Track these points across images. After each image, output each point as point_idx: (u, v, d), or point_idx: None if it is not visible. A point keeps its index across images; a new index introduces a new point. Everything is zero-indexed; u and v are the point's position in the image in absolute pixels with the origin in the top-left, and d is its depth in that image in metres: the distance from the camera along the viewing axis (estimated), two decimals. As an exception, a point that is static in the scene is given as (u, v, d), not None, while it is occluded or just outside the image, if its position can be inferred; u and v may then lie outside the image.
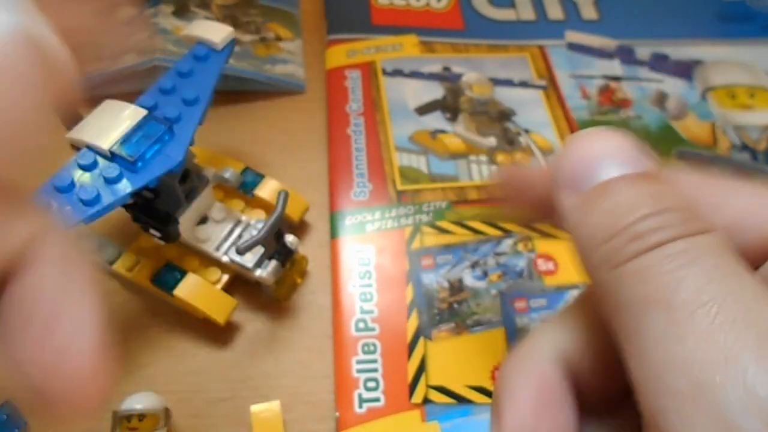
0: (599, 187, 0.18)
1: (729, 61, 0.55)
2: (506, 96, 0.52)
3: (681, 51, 0.56)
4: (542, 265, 0.43)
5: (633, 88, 0.53)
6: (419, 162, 0.48)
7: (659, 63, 0.55)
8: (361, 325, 0.40)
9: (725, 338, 0.14)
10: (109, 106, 0.36)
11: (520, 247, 0.43)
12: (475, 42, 0.56)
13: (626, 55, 0.56)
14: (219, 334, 0.40)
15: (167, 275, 0.40)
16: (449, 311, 0.41)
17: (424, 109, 0.51)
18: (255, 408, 0.37)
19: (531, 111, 0.51)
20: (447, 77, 0.53)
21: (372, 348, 0.39)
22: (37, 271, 0.16)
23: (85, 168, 0.34)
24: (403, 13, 0.58)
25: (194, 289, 0.39)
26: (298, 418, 0.38)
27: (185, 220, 0.40)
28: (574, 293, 0.41)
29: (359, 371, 0.38)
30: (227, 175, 0.42)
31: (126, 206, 0.38)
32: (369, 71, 0.53)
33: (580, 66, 0.55)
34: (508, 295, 0.41)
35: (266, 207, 0.44)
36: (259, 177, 0.44)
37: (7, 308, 0.16)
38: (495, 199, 0.46)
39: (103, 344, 0.16)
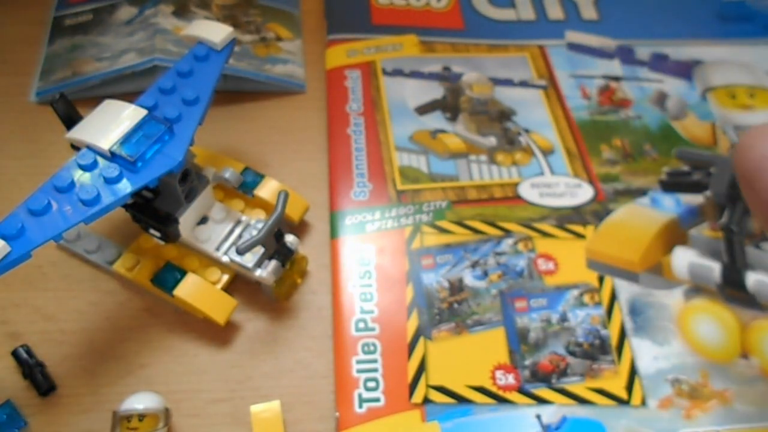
0: None
1: (729, 61, 0.55)
2: (506, 96, 0.52)
3: (681, 51, 0.56)
4: (542, 264, 0.43)
5: (633, 88, 0.53)
6: (419, 162, 0.48)
7: (659, 63, 0.55)
8: (361, 325, 0.40)
9: None
10: (109, 106, 0.36)
11: (520, 246, 0.43)
12: (475, 42, 0.56)
13: (626, 55, 0.56)
14: (219, 334, 0.40)
15: (167, 275, 0.40)
16: (449, 311, 0.41)
17: (424, 109, 0.51)
18: (255, 408, 0.37)
19: (531, 111, 0.51)
20: (447, 77, 0.53)
21: (372, 348, 0.39)
22: None
23: (85, 168, 0.34)
24: (403, 13, 0.58)
25: (194, 289, 0.39)
26: (298, 418, 0.38)
27: (185, 220, 0.40)
28: (574, 293, 0.41)
29: (359, 371, 0.38)
30: (227, 175, 0.42)
31: (126, 206, 0.38)
32: (369, 71, 0.53)
33: (580, 66, 0.55)
34: (509, 295, 0.41)
35: (266, 207, 0.44)
36: (259, 177, 0.44)
37: None
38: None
39: None
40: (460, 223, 0.44)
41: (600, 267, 0.43)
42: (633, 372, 0.38)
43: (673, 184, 0.47)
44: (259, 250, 0.39)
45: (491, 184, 0.47)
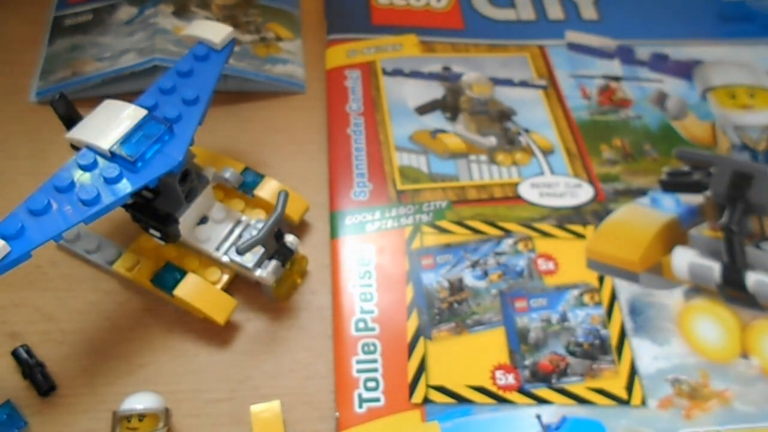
0: None
1: (729, 61, 0.55)
2: (506, 96, 0.52)
3: (681, 51, 0.56)
4: (542, 264, 0.43)
5: (633, 88, 0.53)
6: (419, 162, 0.48)
7: (659, 63, 0.55)
8: (361, 325, 0.40)
9: None
10: (109, 106, 0.36)
11: (520, 246, 0.43)
12: (475, 42, 0.56)
13: (626, 55, 0.56)
14: (219, 334, 0.40)
15: (167, 275, 0.40)
16: (449, 311, 0.41)
17: (424, 109, 0.51)
18: (255, 408, 0.37)
19: (531, 110, 0.51)
20: (447, 77, 0.53)
21: (372, 348, 0.39)
22: None
23: (85, 168, 0.34)
24: (403, 13, 0.58)
25: (194, 289, 0.39)
26: (298, 418, 0.38)
27: (185, 220, 0.40)
28: (574, 293, 0.41)
29: (359, 371, 0.38)
30: (227, 175, 0.42)
31: (126, 206, 0.38)
32: (369, 71, 0.53)
33: (580, 66, 0.55)
34: (509, 295, 0.41)
35: (266, 207, 0.44)
36: (259, 177, 0.44)
37: None
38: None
39: None
40: (460, 223, 0.44)
41: (600, 267, 0.43)
42: (633, 372, 0.38)
43: (673, 184, 0.47)
44: (259, 250, 0.39)
45: (491, 184, 0.47)
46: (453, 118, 0.51)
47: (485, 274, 0.42)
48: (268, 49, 0.54)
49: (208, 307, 0.39)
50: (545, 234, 0.44)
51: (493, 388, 0.38)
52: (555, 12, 0.59)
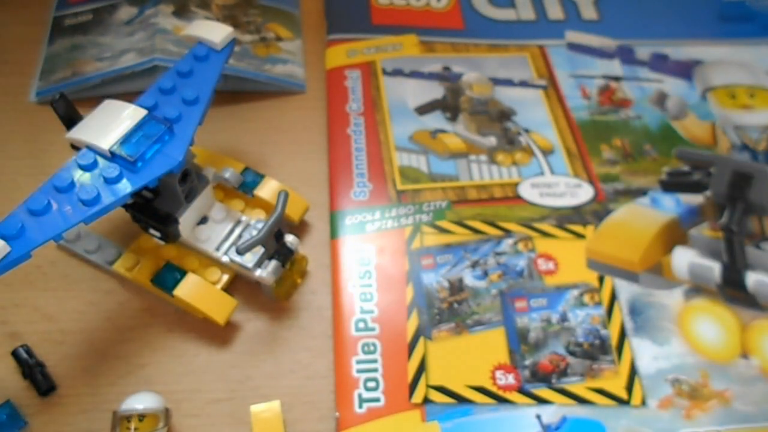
0: None
1: (729, 61, 0.55)
2: (506, 96, 0.52)
3: (681, 51, 0.56)
4: (542, 264, 0.43)
5: (633, 88, 0.53)
6: (419, 162, 0.48)
7: (659, 63, 0.55)
8: (361, 325, 0.40)
9: None
10: (109, 106, 0.36)
11: (520, 246, 0.43)
12: (475, 42, 0.56)
13: (626, 55, 0.56)
14: (219, 334, 0.40)
15: (167, 275, 0.40)
16: (449, 311, 0.41)
17: (424, 109, 0.51)
18: (255, 408, 0.37)
19: (531, 111, 0.51)
20: (447, 77, 0.53)
21: (372, 348, 0.39)
22: None
23: (85, 168, 0.34)
24: (403, 13, 0.58)
25: (194, 289, 0.39)
26: (298, 418, 0.38)
27: (185, 220, 0.40)
28: (574, 293, 0.41)
29: (359, 371, 0.38)
30: (227, 175, 0.42)
31: (126, 206, 0.38)
32: (369, 71, 0.53)
33: (580, 66, 0.55)
34: (509, 295, 0.41)
35: (266, 207, 0.44)
36: (259, 177, 0.44)
37: None
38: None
39: None
40: (460, 223, 0.44)
41: (600, 267, 0.43)
42: (633, 372, 0.38)
43: (673, 184, 0.47)
44: (259, 250, 0.39)
45: (491, 184, 0.47)
46: (453, 118, 0.51)
47: (485, 274, 0.42)
48: (268, 49, 0.54)
49: (208, 307, 0.39)
50: (545, 234, 0.44)
51: (493, 388, 0.38)
52: (555, 12, 0.59)
